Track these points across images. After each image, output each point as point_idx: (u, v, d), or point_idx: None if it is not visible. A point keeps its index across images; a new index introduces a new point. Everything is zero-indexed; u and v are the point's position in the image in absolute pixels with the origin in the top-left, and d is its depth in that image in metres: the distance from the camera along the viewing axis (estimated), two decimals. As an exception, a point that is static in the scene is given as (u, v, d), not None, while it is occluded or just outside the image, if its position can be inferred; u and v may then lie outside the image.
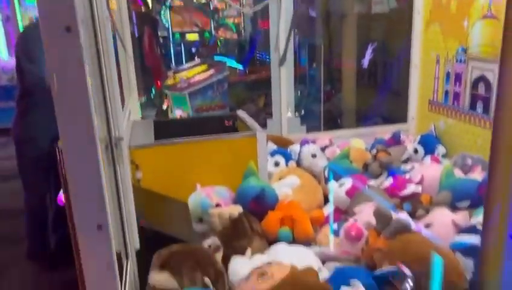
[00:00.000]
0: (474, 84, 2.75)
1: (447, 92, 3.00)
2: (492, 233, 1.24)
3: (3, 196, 4.14)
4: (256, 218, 2.04)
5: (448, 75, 2.97)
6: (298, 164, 2.85)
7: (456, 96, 2.90)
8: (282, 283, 1.32)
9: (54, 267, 2.97)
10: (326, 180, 2.57)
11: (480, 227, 1.52)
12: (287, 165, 2.81)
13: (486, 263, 1.21)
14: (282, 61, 3.17)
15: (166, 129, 2.75)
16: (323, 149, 2.94)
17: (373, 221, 1.77)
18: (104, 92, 1.32)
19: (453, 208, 2.11)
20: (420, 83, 3.29)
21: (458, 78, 2.87)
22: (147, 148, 2.26)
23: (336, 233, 2.05)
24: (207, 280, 1.56)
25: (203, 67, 3.59)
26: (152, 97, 4.38)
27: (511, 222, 1.21)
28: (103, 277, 0.83)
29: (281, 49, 3.14)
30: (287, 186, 2.42)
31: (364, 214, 1.94)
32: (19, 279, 2.94)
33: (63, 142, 0.79)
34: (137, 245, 1.58)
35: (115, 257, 0.84)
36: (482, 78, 2.69)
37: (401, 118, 3.50)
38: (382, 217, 1.69)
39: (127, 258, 1.52)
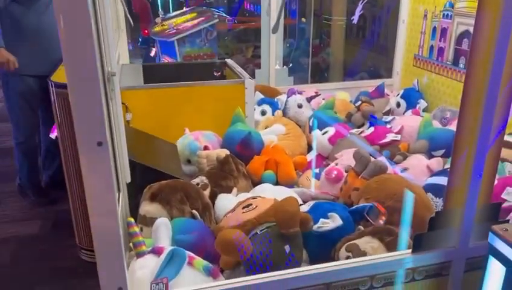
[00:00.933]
0: (459, 40, 2.81)
1: (432, 47, 3.06)
2: (459, 172, 1.35)
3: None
4: (242, 162, 2.13)
5: (434, 30, 3.02)
6: (284, 113, 2.92)
7: (441, 51, 2.97)
8: (265, 213, 1.43)
9: (46, 202, 3.07)
10: (311, 129, 2.65)
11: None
12: (273, 114, 2.88)
13: (453, 196, 1.33)
14: (275, 29, 3.09)
15: (155, 74, 2.77)
16: (309, 100, 3.00)
17: (353, 164, 1.88)
18: (98, 26, 1.34)
19: (430, 156, 2.23)
20: (407, 38, 3.33)
21: (444, 33, 2.92)
22: (136, 90, 2.29)
23: (317, 177, 2.15)
24: (195, 212, 1.66)
25: (192, 15, 3.56)
26: (139, 45, 4.35)
27: (477, 164, 1.33)
28: (103, 190, 0.91)
29: (273, 16, 3.06)
30: (272, 133, 2.50)
31: (345, 159, 2.05)
32: (11, 213, 3.04)
33: (66, 65, 0.84)
34: (128, 179, 1.66)
35: (113, 171, 0.91)
36: (466, 34, 2.75)
37: (387, 73, 3.57)
38: (361, 159, 1.80)
39: (119, 190, 1.60)
